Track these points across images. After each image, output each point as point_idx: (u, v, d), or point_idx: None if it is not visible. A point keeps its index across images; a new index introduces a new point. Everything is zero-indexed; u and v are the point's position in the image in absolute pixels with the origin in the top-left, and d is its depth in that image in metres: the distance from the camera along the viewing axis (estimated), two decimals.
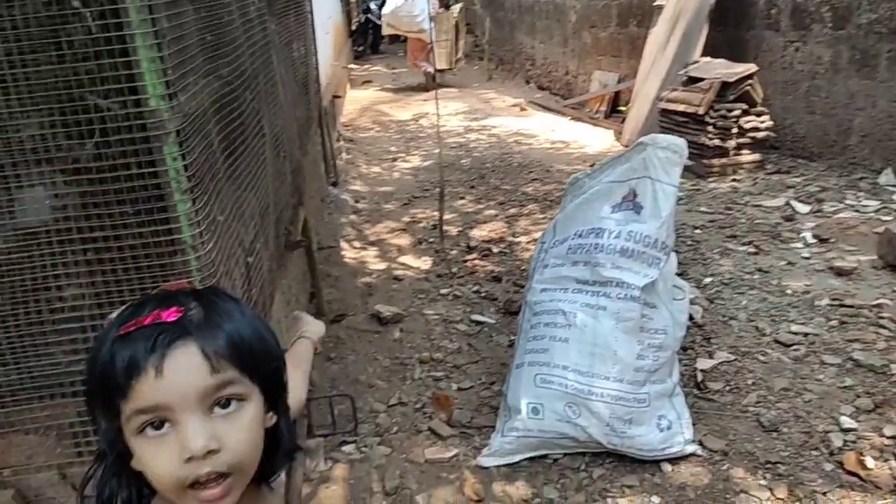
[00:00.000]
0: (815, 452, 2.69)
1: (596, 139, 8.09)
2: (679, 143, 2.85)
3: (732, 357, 3.30)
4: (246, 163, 2.28)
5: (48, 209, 1.58)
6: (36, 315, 1.65)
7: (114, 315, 0.88)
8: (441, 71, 12.51)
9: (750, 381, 3.13)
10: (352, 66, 14.39)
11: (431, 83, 12.39)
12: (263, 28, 2.80)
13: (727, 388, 3.11)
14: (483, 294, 4.26)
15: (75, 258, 1.61)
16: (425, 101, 11.06)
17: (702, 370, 3.21)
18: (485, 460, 2.77)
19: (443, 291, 4.32)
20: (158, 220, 1.58)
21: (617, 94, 8.91)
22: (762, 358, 3.28)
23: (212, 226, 1.72)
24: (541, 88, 11.69)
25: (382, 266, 4.80)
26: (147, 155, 1.53)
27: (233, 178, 2.11)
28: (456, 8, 12.93)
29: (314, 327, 1.61)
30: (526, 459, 2.77)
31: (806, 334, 3.41)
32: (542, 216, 5.47)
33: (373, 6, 16.28)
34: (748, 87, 5.95)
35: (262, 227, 2.52)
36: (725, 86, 5.92)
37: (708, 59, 6.52)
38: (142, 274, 1.62)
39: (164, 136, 1.51)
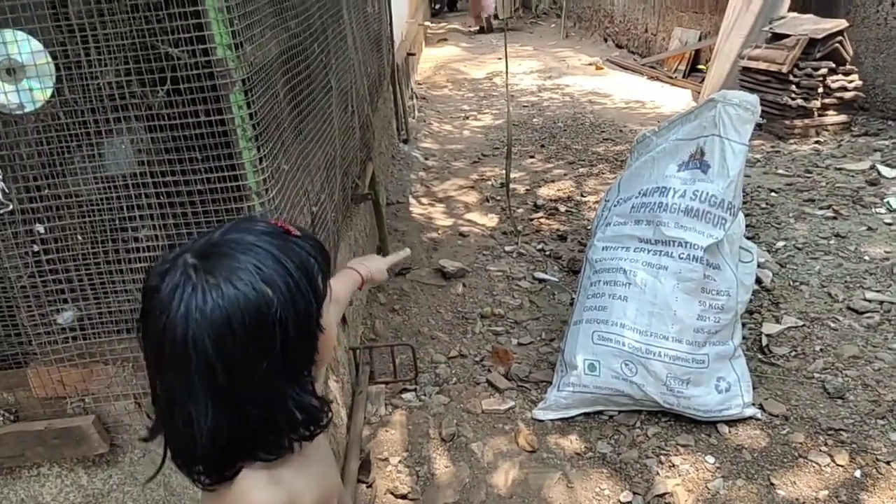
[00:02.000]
0: (881, 421, 2.62)
1: (673, 99, 7.87)
2: (751, 99, 2.75)
3: (801, 323, 3.22)
4: (312, 115, 2.34)
5: (126, 154, 1.68)
6: (114, 254, 1.75)
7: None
8: (500, 19, 13.27)
9: (817, 348, 3.05)
10: (428, 23, 14.32)
11: (488, 28, 13.96)
12: None
13: (793, 353, 3.04)
14: (547, 252, 4.26)
15: (149, 201, 1.70)
16: (500, 59, 10.94)
17: (767, 335, 3.15)
18: (540, 413, 2.81)
19: (507, 249, 4.34)
20: (226, 167, 1.65)
21: (697, 52, 8.61)
22: (832, 325, 3.19)
23: (276, 173, 1.78)
24: (618, 47, 11.40)
25: (449, 222, 4.85)
26: (215, 103, 1.60)
27: (298, 130, 2.17)
28: None
29: (370, 263, 1.56)
30: (581, 414, 2.80)
31: (881, 302, 3.29)
32: (611, 176, 5.40)
33: None
34: (837, 45, 5.66)
35: (328, 178, 2.59)
36: (812, 43, 5.64)
37: (795, 14, 6.21)
38: (209, 218, 1.70)
39: (231, 85, 1.57)
